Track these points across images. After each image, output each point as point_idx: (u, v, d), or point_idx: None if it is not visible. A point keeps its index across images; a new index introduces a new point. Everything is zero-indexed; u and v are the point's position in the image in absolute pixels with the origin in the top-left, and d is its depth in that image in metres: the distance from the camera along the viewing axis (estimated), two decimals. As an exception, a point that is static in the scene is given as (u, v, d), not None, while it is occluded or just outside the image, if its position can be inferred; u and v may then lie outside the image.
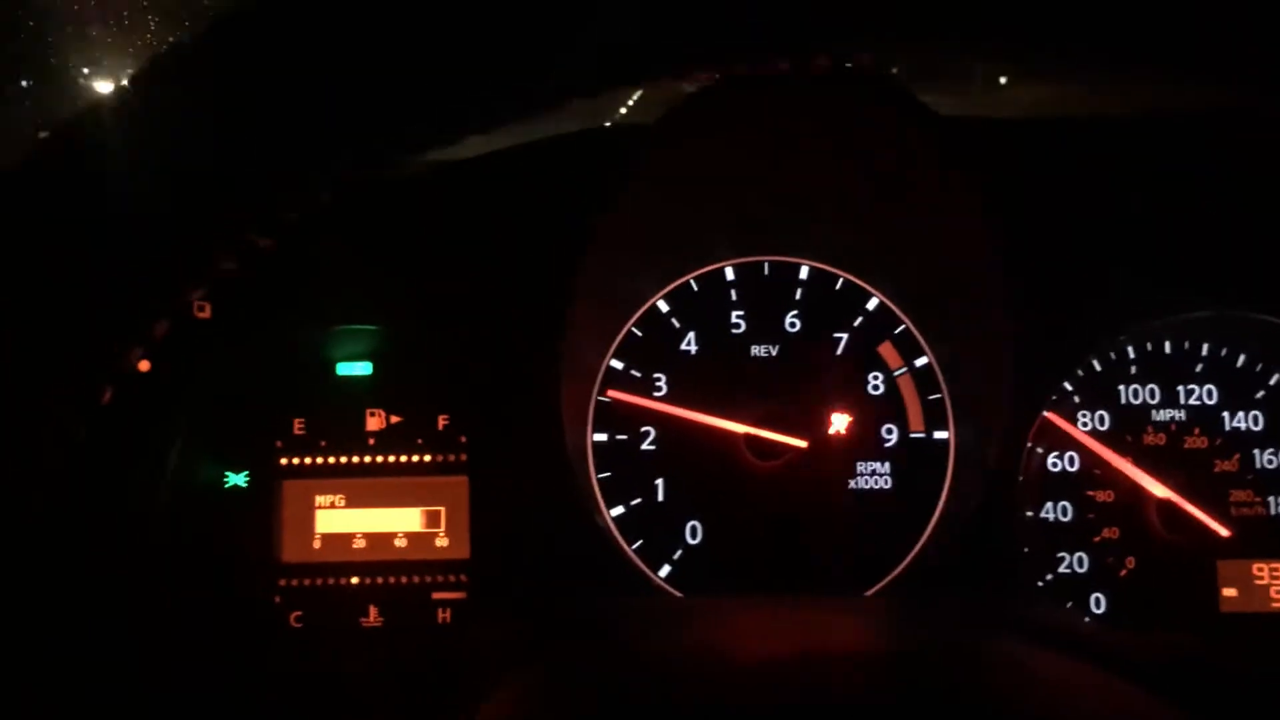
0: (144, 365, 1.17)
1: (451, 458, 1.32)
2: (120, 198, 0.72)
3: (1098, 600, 1.31)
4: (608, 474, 1.38)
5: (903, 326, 1.40)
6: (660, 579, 1.36)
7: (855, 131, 1.25)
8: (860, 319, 1.40)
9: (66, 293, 0.77)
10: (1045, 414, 1.32)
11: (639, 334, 1.41)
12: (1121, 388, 1.34)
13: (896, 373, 1.40)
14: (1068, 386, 1.33)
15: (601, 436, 1.39)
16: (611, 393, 1.39)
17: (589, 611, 1.10)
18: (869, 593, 1.34)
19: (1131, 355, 1.34)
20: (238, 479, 1.31)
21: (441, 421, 1.32)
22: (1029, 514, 1.32)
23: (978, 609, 1.17)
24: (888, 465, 1.38)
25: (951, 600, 1.23)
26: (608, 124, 1.25)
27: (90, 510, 1.16)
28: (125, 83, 0.67)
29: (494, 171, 1.25)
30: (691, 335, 1.41)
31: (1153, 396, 1.34)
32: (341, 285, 1.27)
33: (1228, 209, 1.24)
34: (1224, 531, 1.28)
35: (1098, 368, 1.34)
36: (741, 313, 1.41)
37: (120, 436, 1.18)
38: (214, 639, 1.27)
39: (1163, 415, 1.33)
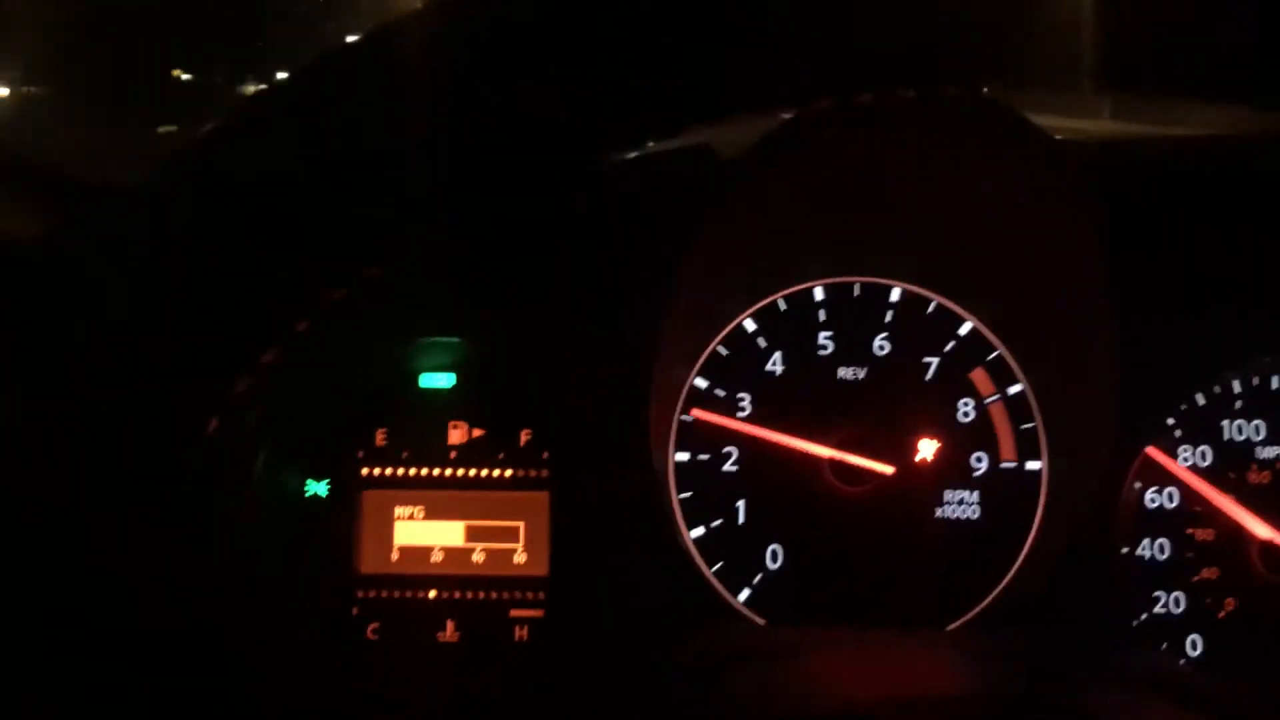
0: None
1: (533, 473, 1.31)
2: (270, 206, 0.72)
3: (1194, 643, 1.27)
4: (689, 494, 1.36)
5: (996, 353, 1.36)
6: (739, 603, 1.33)
7: (956, 154, 1.21)
8: (952, 343, 1.37)
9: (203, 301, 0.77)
10: (1146, 449, 1.27)
11: (724, 353, 1.38)
12: (1225, 423, 1.29)
13: (988, 400, 1.36)
14: (1170, 421, 1.28)
15: (683, 456, 1.37)
16: (695, 412, 1.37)
17: (670, 644, 1.09)
18: (953, 626, 1.30)
19: (1237, 390, 1.30)
20: (318, 488, 1.30)
21: (524, 436, 1.31)
22: (1124, 551, 1.28)
23: (1072, 649, 1.14)
24: (976, 495, 1.34)
25: (1044, 639, 1.20)
26: (703, 142, 1.23)
27: (174, 519, 1.16)
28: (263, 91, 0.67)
29: (587, 187, 1.24)
30: (778, 355, 1.38)
31: (1258, 433, 1.29)
32: (427, 297, 1.26)
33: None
34: (1330, 578, 1.23)
35: (1201, 402, 1.29)
36: (830, 334, 1.38)
37: (211, 445, 1.18)
38: (292, 649, 1.26)
39: (1268, 453, 1.29)
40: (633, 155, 1.21)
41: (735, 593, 1.34)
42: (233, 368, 0.82)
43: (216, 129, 0.74)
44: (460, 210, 0.81)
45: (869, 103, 1.06)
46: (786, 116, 1.15)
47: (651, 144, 1.19)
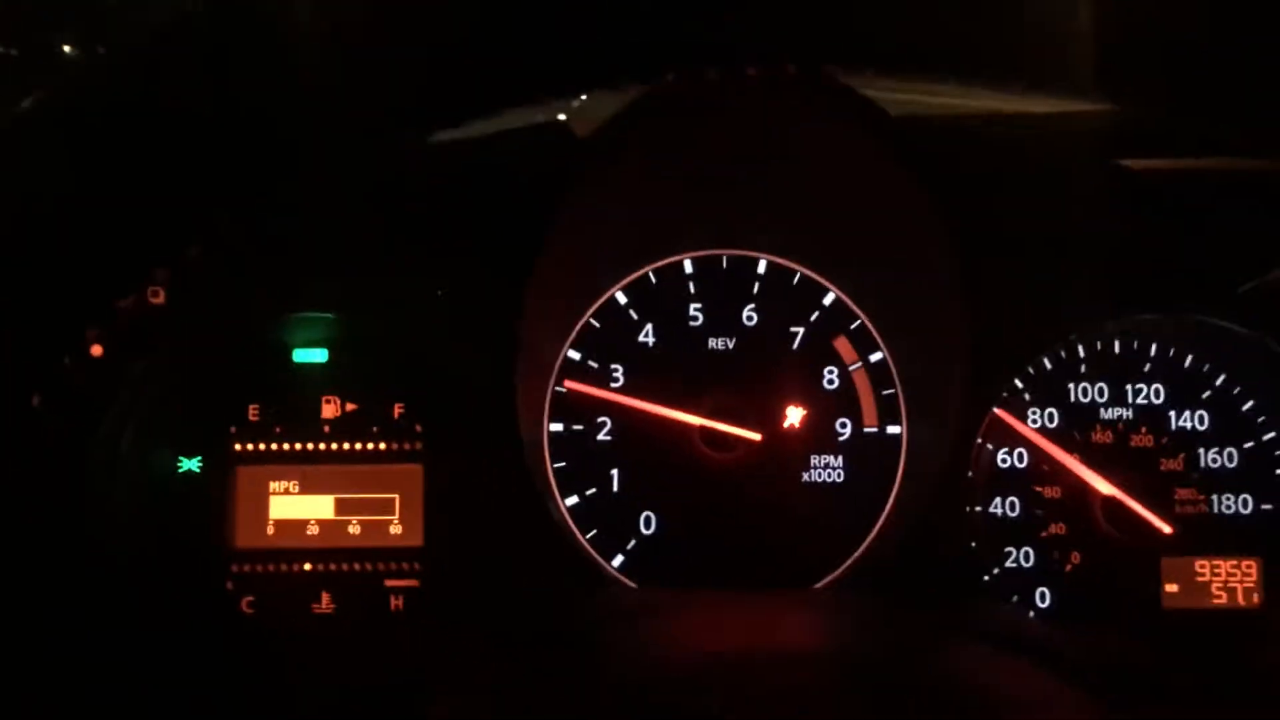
0: (97, 350, 1.17)
1: (406, 445, 1.32)
2: (96, 168, 0.73)
3: (1043, 595, 1.33)
4: (563, 464, 1.39)
5: (858, 321, 1.41)
6: (613, 569, 1.37)
7: (803, 130, 1.25)
8: (816, 313, 1.42)
9: (31, 270, 0.77)
10: (996, 411, 1.33)
11: (597, 325, 1.41)
12: (1071, 386, 1.36)
13: (851, 367, 1.41)
14: (1018, 384, 1.34)
15: (557, 427, 1.39)
16: (568, 383, 1.40)
17: (542, 610, 1.12)
18: (819, 585, 1.35)
19: (1081, 354, 1.36)
20: (191, 464, 1.30)
21: (397, 410, 1.32)
22: (978, 509, 1.34)
23: (926, 605, 1.20)
24: (841, 459, 1.39)
25: (899, 596, 1.26)
26: (564, 116, 1.25)
27: (41, 495, 1.15)
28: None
29: (452, 162, 1.25)
30: (649, 327, 1.41)
31: (1101, 395, 1.36)
32: (298, 272, 1.27)
33: (1178, 214, 1.26)
34: (1167, 529, 1.30)
35: (1048, 366, 1.35)
36: (699, 305, 1.42)
37: (71, 422, 1.17)
38: (166, 624, 1.26)
39: (1111, 414, 1.35)
40: (492, 131, 1.23)
41: (609, 559, 1.37)
42: (83, 316, 0.82)
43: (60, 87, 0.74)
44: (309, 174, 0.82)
45: (715, 79, 1.10)
46: (636, 95, 1.17)
47: (509, 121, 1.21)
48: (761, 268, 1.42)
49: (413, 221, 1.28)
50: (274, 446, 1.32)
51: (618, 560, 1.37)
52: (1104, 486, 1.32)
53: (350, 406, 1.32)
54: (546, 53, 0.71)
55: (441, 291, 1.27)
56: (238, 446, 1.31)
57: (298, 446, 1.32)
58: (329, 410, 1.32)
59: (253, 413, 1.32)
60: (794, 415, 1.40)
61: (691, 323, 1.42)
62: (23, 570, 1.09)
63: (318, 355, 1.33)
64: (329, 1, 0.69)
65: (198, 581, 1.29)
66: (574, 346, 1.41)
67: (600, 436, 1.39)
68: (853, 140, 1.25)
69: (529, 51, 0.71)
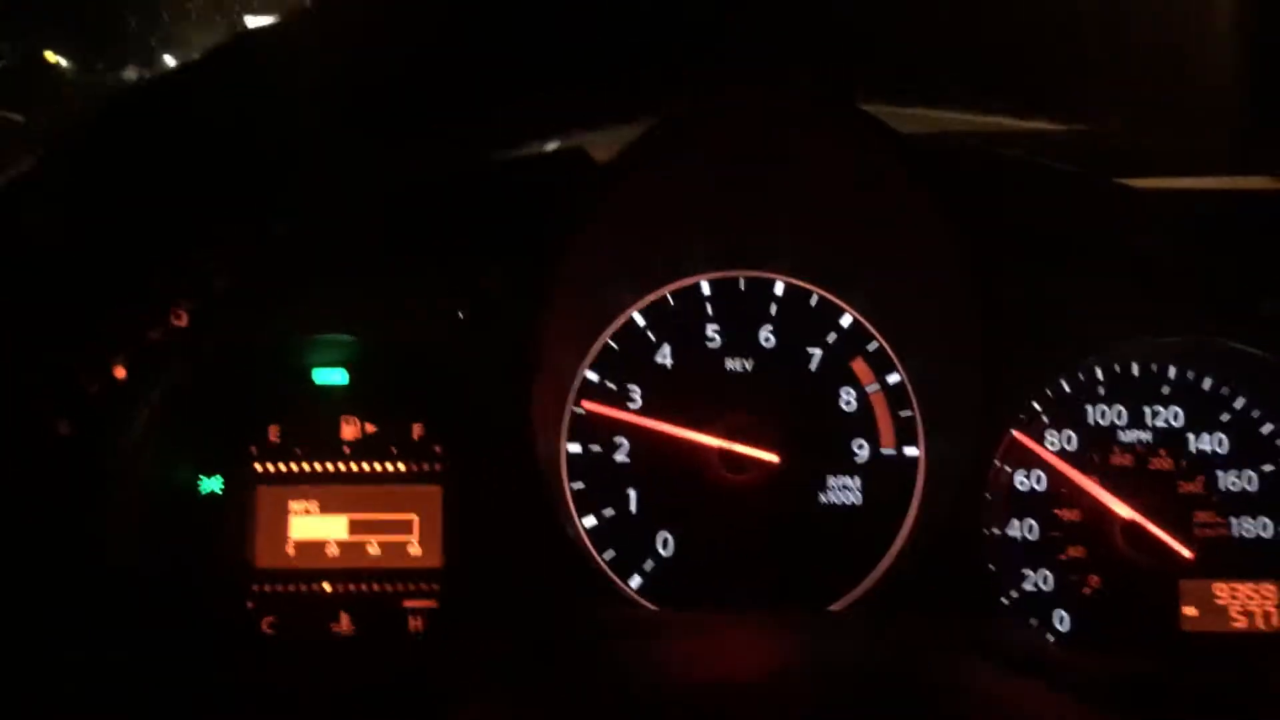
0: (120, 372, 1.18)
1: (426, 467, 1.33)
2: (123, 203, 0.74)
3: (1061, 618, 1.33)
4: (580, 485, 1.39)
5: (875, 343, 1.41)
6: (631, 590, 1.37)
7: (819, 152, 1.26)
8: (834, 335, 1.42)
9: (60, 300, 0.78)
10: (1013, 433, 1.33)
11: (615, 346, 1.42)
12: (1089, 408, 1.36)
13: (869, 389, 1.41)
14: (1036, 406, 1.34)
15: (575, 447, 1.40)
16: (586, 404, 1.40)
17: (561, 628, 1.12)
18: (835, 606, 1.35)
19: (1100, 376, 1.36)
20: (212, 484, 1.32)
21: (417, 431, 1.33)
22: (996, 532, 1.34)
23: (943, 628, 1.19)
24: (858, 480, 1.40)
25: (916, 618, 1.25)
26: (578, 145, 1.25)
27: (65, 513, 1.16)
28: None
29: (472, 184, 1.26)
30: (667, 348, 1.42)
31: (1120, 418, 1.36)
32: (318, 294, 1.28)
33: (1197, 235, 1.26)
34: (1186, 553, 1.30)
35: (1066, 388, 1.35)
36: (717, 327, 1.42)
37: (96, 442, 1.18)
38: (187, 643, 1.27)
39: (1129, 436, 1.35)
40: (510, 157, 1.24)
41: (626, 580, 1.37)
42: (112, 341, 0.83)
43: (96, 114, 0.75)
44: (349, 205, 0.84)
45: (731, 106, 1.11)
46: (653, 120, 1.18)
47: (529, 146, 1.22)
48: (779, 289, 1.43)
49: (432, 243, 1.29)
50: (294, 467, 1.33)
51: (635, 581, 1.38)
52: (1123, 510, 1.32)
53: (370, 427, 1.33)
54: (579, 86, 0.72)
55: (462, 313, 1.27)
56: (258, 467, 1.32)
57: (318, 467, 1.33)
58: (349, 431, 1.33)
59: (273, 433, 1.33)
60: (811, 437, 1.40)
61: (709, 344, 1.42)
62: (46, 588, 1.10)
63: (338, 376, 1.34)
64: (359, 35, 0.70)
65: (219, 601, 1.30)
66: (592, 367, 1.41)
67: (618, 457, 1.40)
68: (869, 162, 1.26)
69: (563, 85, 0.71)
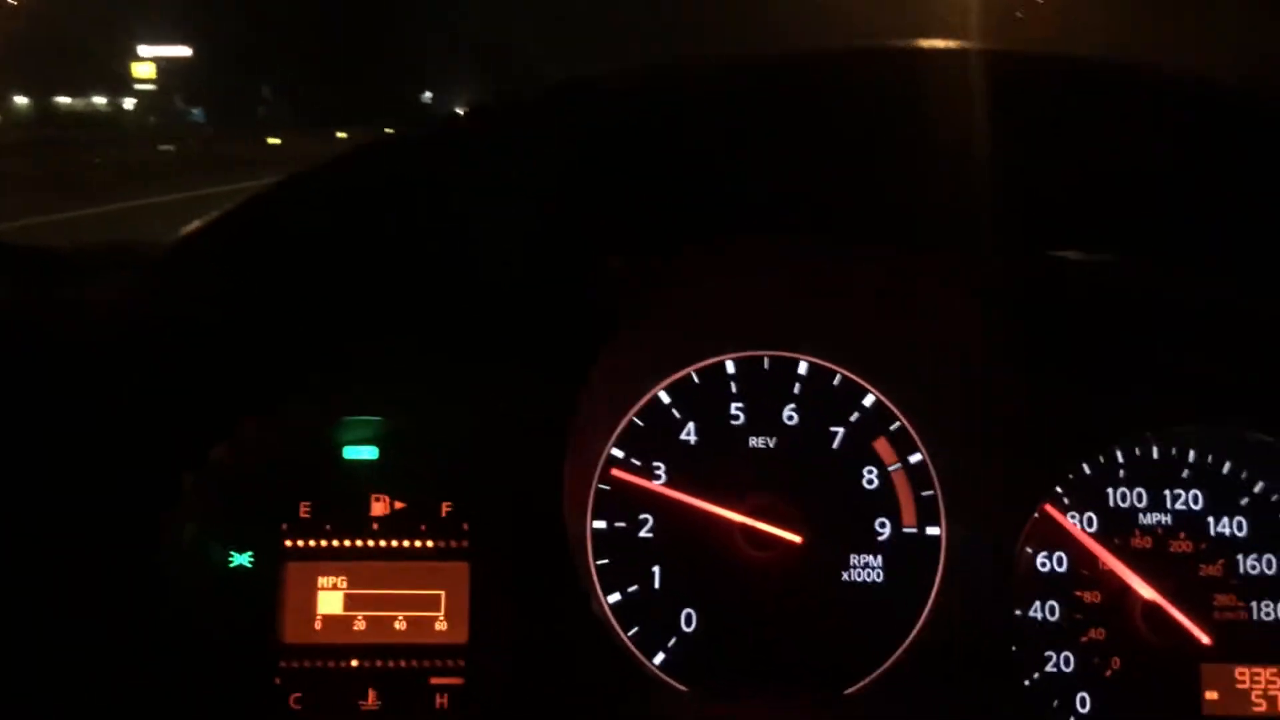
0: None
1: (453, 543, 1.35)
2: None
3: (1083, 700, 1.34)
4: (605, 561, 1.41)
5: (898, 423, 1.43)
6: (655, 666, 1.38)
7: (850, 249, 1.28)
8: (857, 414, 1.44)
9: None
10: (1035, 515, 1.34)
11: (640, 424, 1.44)
12: (1110, 491, 1.37)
13: (891, 468, 1.43)
14: (1058, 489, 1.35)
15: (600, 524, 1.42)
16: (615, 471, 1.42)
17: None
18: (857, 687, 1.36)
19: (1120, 459, 1.37)
20: (243, 559, 1.33)
21: (445, 508, 1.35)
22: (1018, 613, 1.35)
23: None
24: (880, 559, 1.41)
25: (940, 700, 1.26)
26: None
27: (111, 589, 1.18)
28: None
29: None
30: (691, 425, 1.44)
31: (1140, 500, 1.37)
32: (350, 376, 1.30)
33: (1214, 329, 1.27)
34: (1205, 639, 1.31)
35: (1087, 471, 1.37)
36: (741, 405, 1.44)
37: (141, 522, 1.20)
38: (214, 717, 1.29)
39: (1149, 519, 1.36)
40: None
41: (651, 657, 1.39)
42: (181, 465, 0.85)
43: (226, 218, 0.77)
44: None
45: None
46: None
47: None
48: (802, 369, 1.45)
49: (461, 323, 1.31)
50: (323, 543, 1.34)
51: (659, 658, 1.39)
52: (1146, 591, 1.32)
53: (399, 505, 1.35)
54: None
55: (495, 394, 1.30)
56: (288, 543, 1.34)
57: (347, 543, 1.34)
58: (378, 508, 1.35)
59: (303, 510, 1.35)
60: (834, 515, 1.41)
61: (733, 421, 1.44)
62: (86, 661, 1.12)
63: (368, 453, 1.36)
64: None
65: (247, 676, 1.31)
66: (618, 444, 1.43)
67: (642, 534, 1.41)
68: (894, 249, 1.28)
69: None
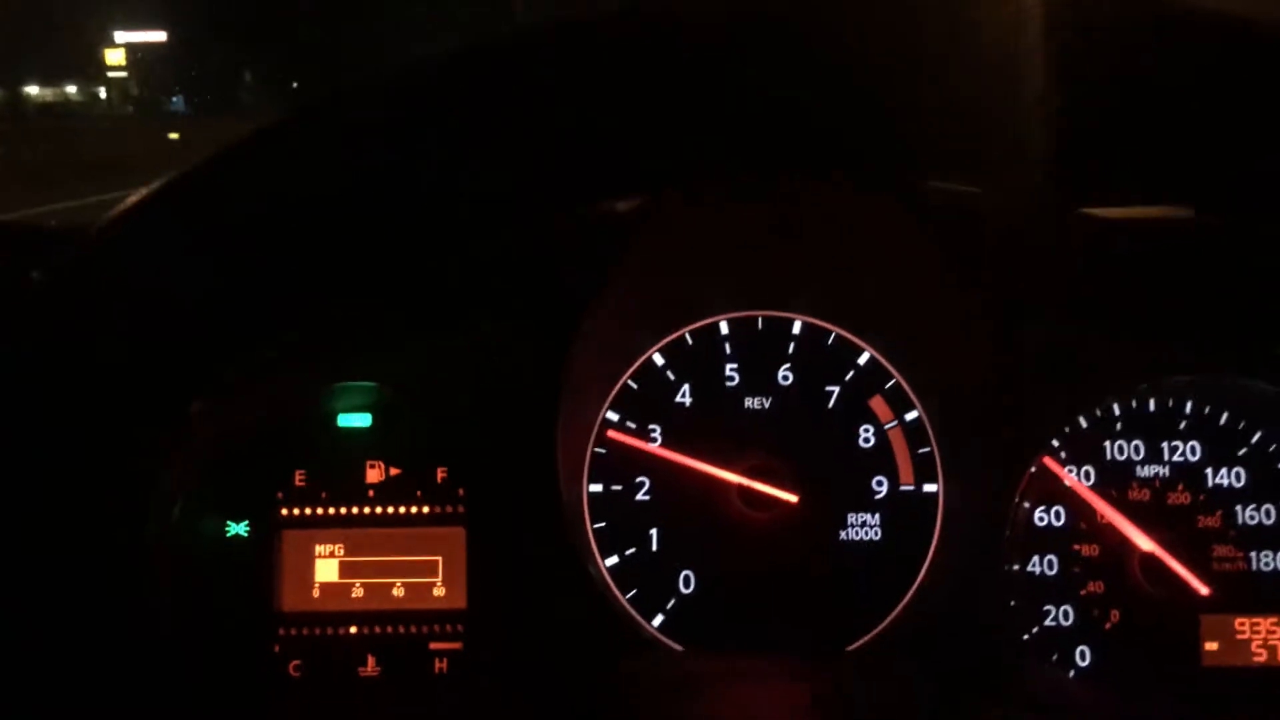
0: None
1: (450, 509, 1.34)
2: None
3: (1083, 654, 1.34)
4: (602, 524, 1.40)
5: (893, 381, 1.43)
6: (653, 628, 1.38)
7: (836, 197, 1.27)
8: (851, 373, 1.43)
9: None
10: (1032, 469, 1.34)
11: (634, 386, 1.43)
12: (1107, 444, 1.37)
13: (887, 426, 1.42)
14: (1055, 443, 1.35)
15: (596, 487, 1.41)
16: (610, 434, 1.41)
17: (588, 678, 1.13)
18: (857, 645, 1.36)
19: (1116, 412, 1.37)
20: (239, 528, 1.33)
21: (440, 474, 1.34)
22: (1015, 568, 1.35)
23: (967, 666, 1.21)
24: (877, 518, 1.41)
25: (939, 656, 1.27)
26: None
27: (98, 562, 1.17)
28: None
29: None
30: (686, 388, 1.43)
31: (1137, 453, 1.37)
32: (341, 342, 1.29)
33: (1212, 278, 1.27)
34: (1204, 589, 1.31)
35: (1083, 424, 1.36)
36: (735, 365, 1.43)
37: (128, 492, 1.19)
38: (214, 687, 1.28)
39: (1147, 471, 1.36)
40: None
41: (649, 619, 1.38)
42: (157, 418, 0.83)
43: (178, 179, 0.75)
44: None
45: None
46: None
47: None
48: (796, 328, 1.44)
49: (452, 289, 1.30)
50: (319, 511, 1.34)
51: (658, 620, 1.39)
52: (1144, 542, 1.32)
53: (394, 471, 1.35)
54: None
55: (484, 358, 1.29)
56: (284, 511, 1.33)
57: (343, 511, 1.34)
58: (373, 475, 1.34)
59: (298, 478, 1.34)
60: (830, 474, 1.41)
61: (728, 383, 1.43)
62: (75, 635, 1.11)
63: (361, 420, 1.35)
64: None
65: (246, 645, 1.31)
66: (612, 408, 1.43)
67: (639, 496, 1.41)
68: (884, 205, 1.27)
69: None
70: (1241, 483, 1.36)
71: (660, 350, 1.43)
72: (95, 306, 0.70)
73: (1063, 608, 1.34)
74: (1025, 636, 1.34)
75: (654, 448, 1.41)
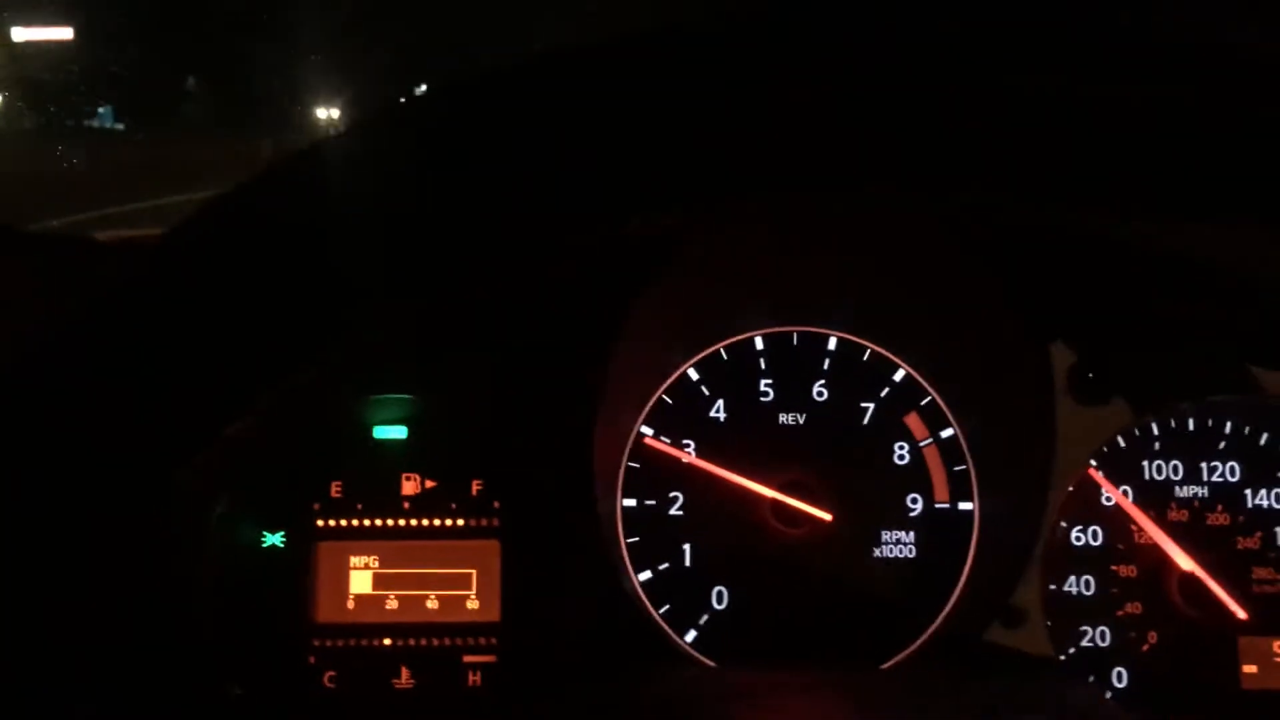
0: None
1: (484, 522, 1.35)
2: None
3: (1120, 675, 1.33)
4: (635, 539, 1.40)
5: (929, 398, 1.42)
6: (686, 644, 1.38)
7: (873, 214, 1.27)
8: (887, 389, 1.43)
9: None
10: (1069, 488, 1.33)
11: (669, 401, 1.43)
12: (1145, 464, 1.36)
13: (922, 443, 1.42)
14: (1092, 462, 1.34)
15: (630, 502, 1.41)
16: (644, 448, 1.41)
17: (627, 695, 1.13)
18: (891, 663, 1.35)
19: (1155, 432, 1.36)
20: (275, 539, 1.34)
21: (475, 487, 1.35)
22: (1052, 587, 1.34)
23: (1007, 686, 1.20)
24: (912, 535, 1.40)
25: (974, 675, 1.26)
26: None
27: (135, 570, 1.18)
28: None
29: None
30: (721, 403, 1.43)
31: (1176, 473, 1.35)
32: (378, 355, 1.30)
33: (1252, 297, 1.26)
34: (1241, 613, 1.29)
35: (1122, 443, 1.35)
36: (770, 381, 1.43)
37: (167, 502, 1.21)
38: (250, 697, 1.29)
39: (1185, 492, 1.35)
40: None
41: (682, 634, 1.38)
42: (201, 430, 0.84)
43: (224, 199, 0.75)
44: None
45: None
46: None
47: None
48: (832, 344, 1.44)
49: (490, 303, 1.31)
50: (355, 523, 1.35)
51: (690, 635, 1.38)
52: (1184, 562, 1.31)
53: (430, 484, 1.35)
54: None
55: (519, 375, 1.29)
56: (320, 522, 1.34)
57: (378, 523, 1.35)
58: (409, 487, 1.35)
59: (335, 490, 1.35)
60: (865, 490, 1.40)
61: (762, 398, 1.43)
62: (113, 644, 1.12)
63: (398, 432, 1.36)
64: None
65: (281, 655, 1.32)
66: (646, 422, 1.43)
67: (672, 511, 1.41)
68: (921, 222, 1.27)
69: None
70: (1281, 505, 1.34)
71: (695, 365, 1.43)
72: (158, 320, 0.70)
73: (1100, 628, 1.33)
74: (1062, 657, 1.33)
75: (689, 459, 1.41)
